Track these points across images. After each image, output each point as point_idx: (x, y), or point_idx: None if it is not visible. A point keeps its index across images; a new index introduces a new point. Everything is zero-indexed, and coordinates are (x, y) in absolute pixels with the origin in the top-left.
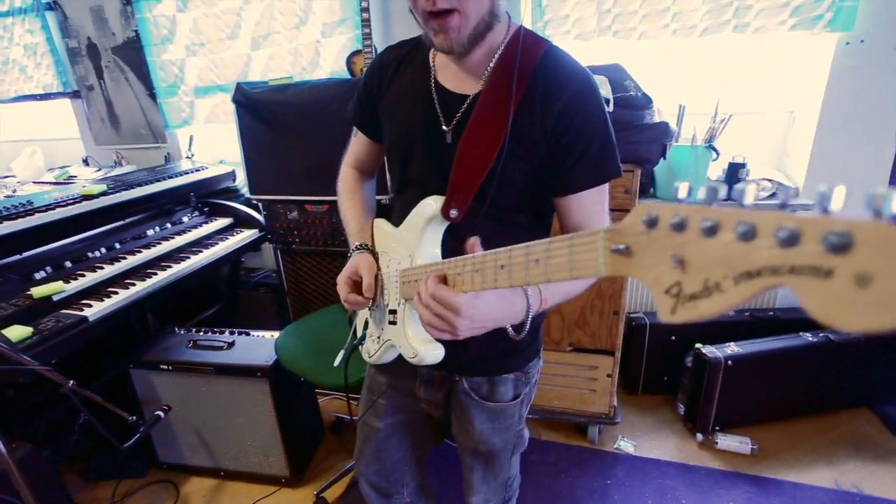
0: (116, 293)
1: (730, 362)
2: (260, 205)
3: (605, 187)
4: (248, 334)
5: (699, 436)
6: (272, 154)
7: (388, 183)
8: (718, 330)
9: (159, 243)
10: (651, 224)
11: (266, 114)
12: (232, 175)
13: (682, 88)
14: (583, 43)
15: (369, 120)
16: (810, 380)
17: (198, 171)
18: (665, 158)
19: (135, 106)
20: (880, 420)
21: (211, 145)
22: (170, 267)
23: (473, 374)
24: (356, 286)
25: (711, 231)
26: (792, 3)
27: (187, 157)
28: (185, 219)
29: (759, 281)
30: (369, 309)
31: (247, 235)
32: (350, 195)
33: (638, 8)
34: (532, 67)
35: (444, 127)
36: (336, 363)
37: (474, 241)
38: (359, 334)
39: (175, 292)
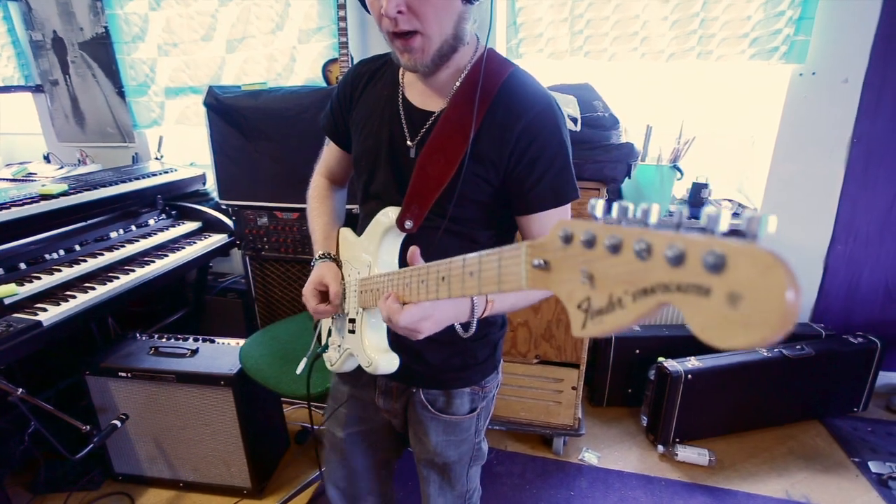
0: (74, 297)
1: (690, 376)
2: (230, 210)
3: (566, 207)
4: (212, 342)
5: (660, 447)
6: (243, 159)
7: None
8: (680, 344)
9: (122, 246)
10: (567, 240)
11: (238, 119)
12: (202, 178)
13: (650, 109)
14: (555, 61)
15: (340, 130)
16: (765, 394)
17: (166, 172)
18: (630, 178)
19: (102, 103)
20: (829, 433)
21: (181, 147)
22: (133, 271)
23: (430, 387)
24: (323, 296)
25: (615, 249)
26: (751, 34)
27: (156, 159)
28: (152, 221)
29: (654, 298)
30: (332, 317)
31: (215, 240)
32: (318, 203)
33: (609, 31)
34: (495, 89)
35: (408, 142)
36: (299, 371)
37: (414, 250)
38: (323, 342)
39: (138, 297)
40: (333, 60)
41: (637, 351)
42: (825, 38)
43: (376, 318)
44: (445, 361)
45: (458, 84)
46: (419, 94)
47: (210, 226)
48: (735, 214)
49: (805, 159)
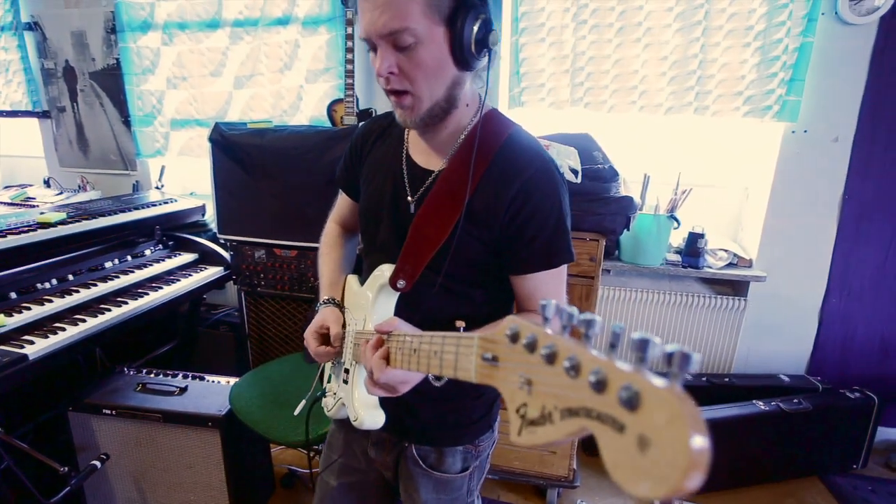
0: (63, 329)
1: None
2: (227, 244)
3: (561, 269)
4: (202, 378)
5: (656, 501)
6: (244, 195)
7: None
8: None
9: (117, 277)
10: (513, 339)
11: (242, 156)
12: (202, 209)
13: (647, 159)
14: (556, 111)
15: (352, 183)
16: (763, 448)
17: (166, 203)
18: (629, 230)
19: (107, 131)
20: (829, 491)
21: (183, 176)
22: (125, 303)
23: (421, 442)
24: (324, 339)
25: (550, 359)
26: (745, 93)
27: (157, 188)
28: (148, 252)
29: (577, 420)
30: (332, 363)
31: (211, 273)
32: (329, 249)
33: (609, 83)
34: (494, 150)
35: (409, 198)
36: (296, 412)
37: (391, 321)
38: (322, 387)
39: (129, 329)
40: (339, 100)
41: None
42: (815, 99)
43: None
44: (439, 418)
45: (457, 144)
46: (421, 152)
47: (207, 258)
48: (731, 265)
49: (798, 213)
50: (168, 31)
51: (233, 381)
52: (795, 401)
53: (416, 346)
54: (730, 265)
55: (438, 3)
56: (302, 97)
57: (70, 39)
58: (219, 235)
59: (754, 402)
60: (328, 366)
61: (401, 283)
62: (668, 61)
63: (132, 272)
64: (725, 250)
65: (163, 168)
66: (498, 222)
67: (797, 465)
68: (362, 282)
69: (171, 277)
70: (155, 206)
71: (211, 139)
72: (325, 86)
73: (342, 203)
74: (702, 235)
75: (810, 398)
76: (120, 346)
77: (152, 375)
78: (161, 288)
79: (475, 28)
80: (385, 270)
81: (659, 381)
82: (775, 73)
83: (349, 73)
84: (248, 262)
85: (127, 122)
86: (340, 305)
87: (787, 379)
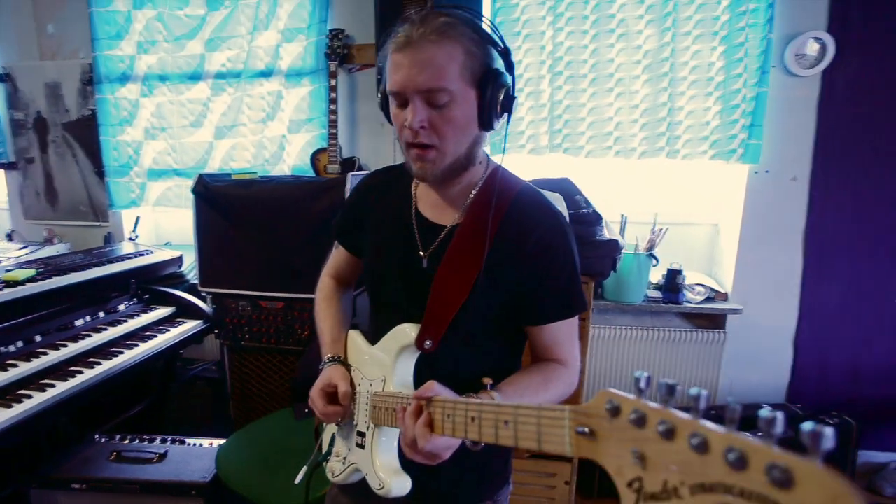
0: (30, 397)
1: None
2: (209, 297)
3: (574, 320)
4: (182, 442)
5: None
6: (228, 247)
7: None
8: None
9: (89, 335)
10: (614, 413)
11: (226, 207)
12: (179, 260)
13: (624, 200)
14: (536, 157)
15: (351, 236)
16: None
17: (142, 254)
18: (615, 271)
19: (78, 182)
20: None
21: (158, 227)
22: (98, 364)
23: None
24: (331, 398)
25: (668, 434)
26: (711, 137)
27: (130, 239)
28: (122, 307)
29: (714, 496)
30: (336, 424)
31: (190, 327)
32: (326, 304)
33: (585, 130)
34: (507, 205)
35: (420, 252)
36: (297, 480)
37: (430, 385)
38: (324, 450)
39: (102, 392)
40: (322, 150)
41: None
42: (774, 142)
43: (388, 437)
44: (461, 478)
45: (470, 199)
46: (431, 206)
47: (184, 311)
48: (708, 299)
49: (767, 247)
50: (148, 83)
51: (217, 443)
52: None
53: (474, 415)
54: (707, 299)
55: (472, 67)
56: (284, 147)
57: (43, 91)
58: (200, 288)
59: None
60: (332, 427)
61: (428, 343)
62: (639, 109)
63: (105, 329)
64: (702, 285)
65: (137, 219)
66: (516, 276)
67: None
68: (372, 340)
69: (147, 333)
70: (130, 258)
71: (194, 191)
72: (307, 135)
73: (339, 257)
74: (680, 272)
75: (793, 426)
76: (86, 408)
77: (127, 442)
78: (136, 345)
79: (501, 95)
80: (410, 330)
81: (809, 461)
82: (736, 120)
83: (333, 123)
84: (231, 315)
85: (100, 173)
86: (346, 363)
87: (769, 408)
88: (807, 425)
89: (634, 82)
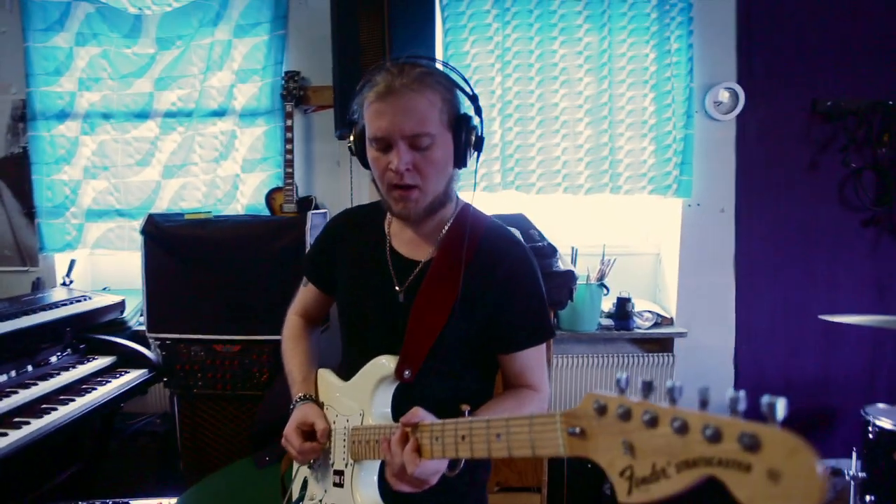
0: None
1: None
2: (153, 342)
3: (543, 347)
4: None
5: None
6: (181, 289)
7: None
8: None
9: (14, 392)
10: (601, 411)
11: (179, 248)
12: (121, 306)
13: (573, 233)
14: (490, 194)
15: (322, 273)
16: (712, 495)
17: (78, 301)
18: (572, 301)
19: (3, 224)
20: None
21: (94, 270)
22: (25, 424)
23: None
24: (307, 436)
25: (653, 422)
26: (648, 174)
27: (64, 284)
28: (53, 359)
29: (697, 470)
30: (309, 467)
31: (133, 377)
32: (294, 343)
33: (535, 168)
34: (479, 239)
35: (396, 287)
36: None
37: (416, 411)
38: (294, 496)
39: (30, 455)
40: (277, 189)
41: (589, 465)
42: (703, 178)
43: (368, 473)
44: None
45: (442, 234)
46: (405, 243)
47: (127, 360)
48: (656, 324)
49: (704, 273)
50: (90, 120)
51: (166, 502)
52: None
53: (464, 433)
54: (655, 325)
55: (448, 112)
56: (238, 186)
57: None
58: (149, 334)
59: None
60: (303, 472)
61: (407, 374)
62: (583, 149)
63: (34, 385)
64: (650, 311)
65: (72, 262)
66: (488, 305)
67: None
68: (345, 377)
69: (84, 387)
70: (64, 305)
71: (144, 231)
72: (262, 175)
73: (307, 294)
74: (629, 299)
75: None
76: (10, 475)
77: None
78: (72, 400)
79: (472, 136)
80: (387, 361)
81: (771, 427)
82: (669, 158)
83: (289, 163)
84: (182, 361)
85: (30, 214)
86: (317, 401)
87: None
88: (764, 398)
89: (578, 124)
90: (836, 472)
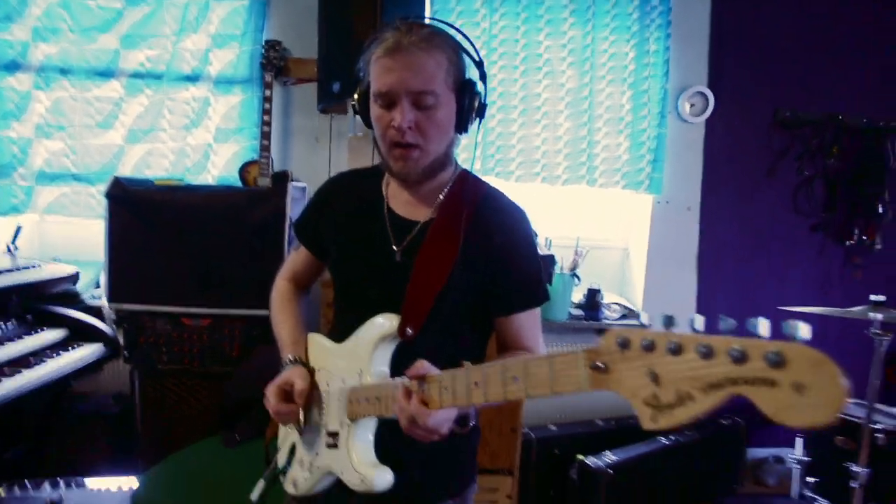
0: None
1: (610, 470)
2: (111, 315)
3: (538, 310)
4: (80, 485)
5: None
6: (147, 258)
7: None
8: (592, 441)
9: None
10: (624, 345)
11: (148, 213)
12: (74, 277)
13: (548, 224)
14: None
15: (315, 237)
16: (669, 479)
17: (26, 268)
18: (550, 284)
19: None
20: None
21: (42, 238)
22: None
23: (412, 501)
24: (287, 396)
25: (677, 350)
26: (623, 169)
27: (7, 252)
28: None
29: (723, 391)
30: (299, 432)
31: (88, 352)
32: (284, 307)
33: (515, 156)
34: (477, 202)
35: (394, 247)
36: (254, 497)
37: (422, 362)
38: (281, 462)
39: None
40: (252, 162)
41: (556, 451)
42: (672, 177)
43: (364, 432)
44: (430, 472)
45: (441, 197)
46: (403, 204)
47: (80, 334)
48: (623, 316)
49: (670, 268)
50: (44, 74)
51: (126, 482)
52: (688, 432)
53: (478, 380)
54: (622, 316)
55: (454, 75)
56: (209, 156)
57: None
58: (110, 304)
59: (658, 438)
60: (291, 438)
61: (409, 331)
62: (562, 140)
63: None
64: (618, 304)
65: (18, 228)
66: (488, 266)
67: (695, 493)
68: (339, 339)
69: (32, 360)
70: (9, 272)
71: (109, 195)
72: (236, 146)
73: (298, 258)
74: (598, 291)
75: (698, 428)
76: None
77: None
78: (18, 372)
79: (476, 102)
80: (388, 319)
81: (795, 343)
82: (643, 155)
83: (265, 135)
84: (147, 335)
85: None
86: (307, 365)
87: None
88: (789, 322)
89: (559, 116)
90: (779, 460)
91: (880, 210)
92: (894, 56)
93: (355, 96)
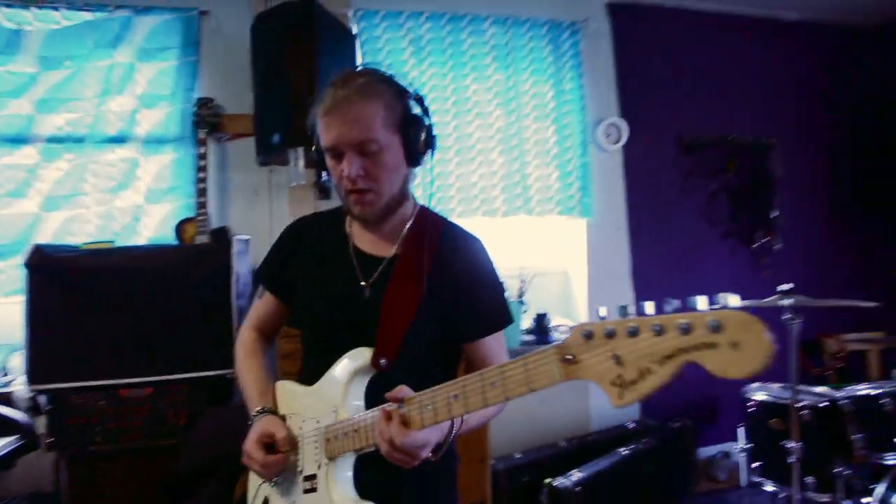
0: None
1: (578, 488)
2: (28, 399)
3: (503, 333)
4: None
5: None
6: (75, 331)
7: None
8: (558, 462)
9: None
10: (588, 336)
11: (76, 282)
12: None
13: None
14: None
15: (280, 279)
16: (632, 488)
17: None
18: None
19: None
20: None
21: None
22: None
23: None
24: (269, 449)
25: (634, 333)
26: (555, 197)
27: None
28: None
29: (677, 359)
30: (271, 484)
31: None
32: (250, 357)
33: (454, 194)
34: (439, 236)
35: (362, 283)
36: None
37: (401, 387)
38: None
39: None
40: (189, 219)
41: (525, 478)
42: (600, 201)
43: (343, 468)
44: (417, 499)
45: (405, 232)
46: (368, 241)
47: None
48: None
49: (608, 287)
50: None
51: None
52: (645, 440)
53: (456, 392)
54: None
55: (392, 117)
56: (140, 218)
57: None
58: (32, 386)
59: (618, 450)
60: (264, 491)
61: (383, 362)
62: (497, 175)
63: None
64: (565, 326)
65: None
66: (453, 296)
67: (657, 497)
68: (310, 381)
69: None
70: None
71: (28, 265)
72: (170, 206)
73: (263, 306)
74: (546, 315)
75: (652, 435)
76: None
77: None
78: None
79: (422, 135)
80: (362, 353)
81: (728, 311)
82: (571, 183)
83: (202, 192)
84: (76, 415)
85: None
86: (277, 413)
87: (632, 425)
88: (721, 295)
89: (491, 153)
90: (727, 455)
91: (774, 214)
92: (773, 81)
93: (312, 149)
